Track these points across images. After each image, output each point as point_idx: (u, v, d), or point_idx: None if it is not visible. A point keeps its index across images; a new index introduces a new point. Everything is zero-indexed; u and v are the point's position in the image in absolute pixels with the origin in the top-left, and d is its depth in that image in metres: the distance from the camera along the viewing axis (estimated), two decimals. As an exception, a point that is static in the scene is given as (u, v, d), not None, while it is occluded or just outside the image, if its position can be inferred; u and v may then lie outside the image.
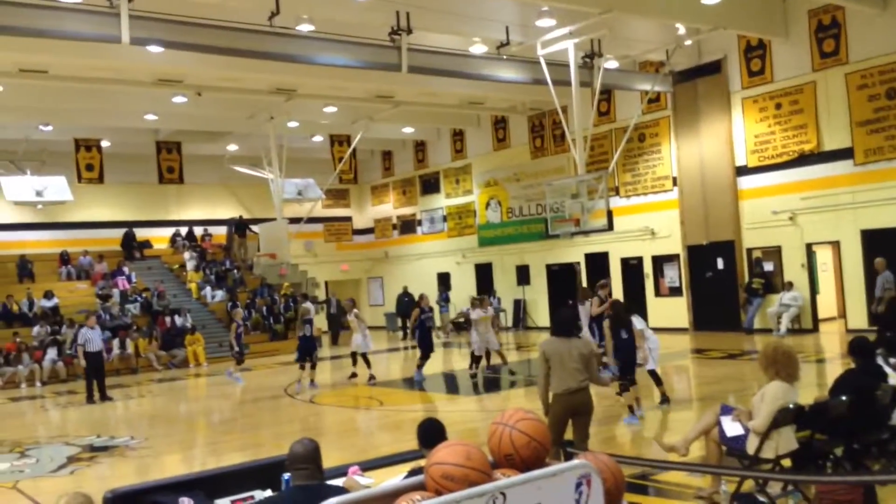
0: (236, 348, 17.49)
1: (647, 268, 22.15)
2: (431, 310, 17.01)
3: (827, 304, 19.67)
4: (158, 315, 23.17)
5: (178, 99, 20.78)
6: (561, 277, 24.51)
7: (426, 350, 15.86)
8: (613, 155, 21.94)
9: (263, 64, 16.79)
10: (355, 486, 4.32)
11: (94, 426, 13.36)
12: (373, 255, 32.44)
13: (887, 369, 6.98)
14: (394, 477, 4.01)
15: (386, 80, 19.44)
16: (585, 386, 7.06)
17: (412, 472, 3.84)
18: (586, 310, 14.68)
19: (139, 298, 24.16)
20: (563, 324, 7.39)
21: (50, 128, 22.93)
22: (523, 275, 25.62)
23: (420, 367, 15.68)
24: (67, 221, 26.66)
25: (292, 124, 24.49)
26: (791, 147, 18.68)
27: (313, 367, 16.03)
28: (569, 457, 4.76)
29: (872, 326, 15.02)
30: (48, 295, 22.83)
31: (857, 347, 6.71)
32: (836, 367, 12.71)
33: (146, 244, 27.92)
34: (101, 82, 19.05)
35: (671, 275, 21.57)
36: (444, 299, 27.06)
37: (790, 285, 18.77)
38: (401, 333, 26.38)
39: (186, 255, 27.37)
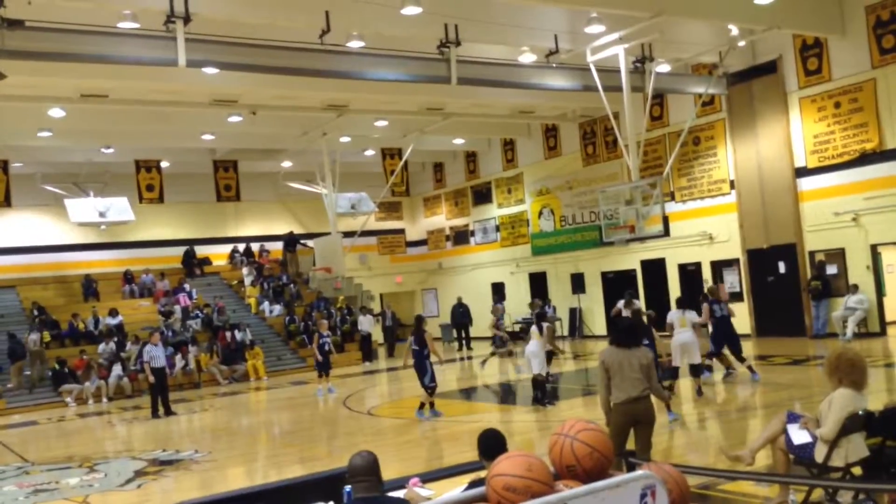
0: (319, 358, 17.59)
1: (706, 273, 21.75)
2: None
3: (894, 306, 19.06)
4: (219, 330, 23.58)
5: (234, 118, 21.23)
6: (617, 285, 24.22)
7: (429, 385, 13.16)
8: (668, 159, 21.64)
9: (315, 81, 17.10)
10: (416, 497, 4.33)
11: (160, 440, 13.63)
12: (426, 266, 32.53)
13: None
14: (454, 488, 4.00)
15: (436, 92, 19.58)
16: (647, 395, 7.00)
17: (473, 484, 3.84)
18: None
19: (200, 314, 24.63)
20: (623, 334, 7.34)
21: (111, 150, 23.59)
22: (578, 283, 25.39)
23: (428, 405, 13.27)
24: (130, 241, 27.34)
25: (344, 139, 24.77)
26: (852, 146, 18.19)
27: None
28: (631, 467, 4.70)
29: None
30: (113, 313, 23.42)
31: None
32: (906, 372, 12.32)
33: (206, 261, 28.51)
34: (160, 104, 19.58)
35: (731, 280, 21.13)
36: (500, 309, 26.95)
37: (855, 288, 18.22)
38: (456, 344, 26.39)
39: (245, 270, 27.86)
